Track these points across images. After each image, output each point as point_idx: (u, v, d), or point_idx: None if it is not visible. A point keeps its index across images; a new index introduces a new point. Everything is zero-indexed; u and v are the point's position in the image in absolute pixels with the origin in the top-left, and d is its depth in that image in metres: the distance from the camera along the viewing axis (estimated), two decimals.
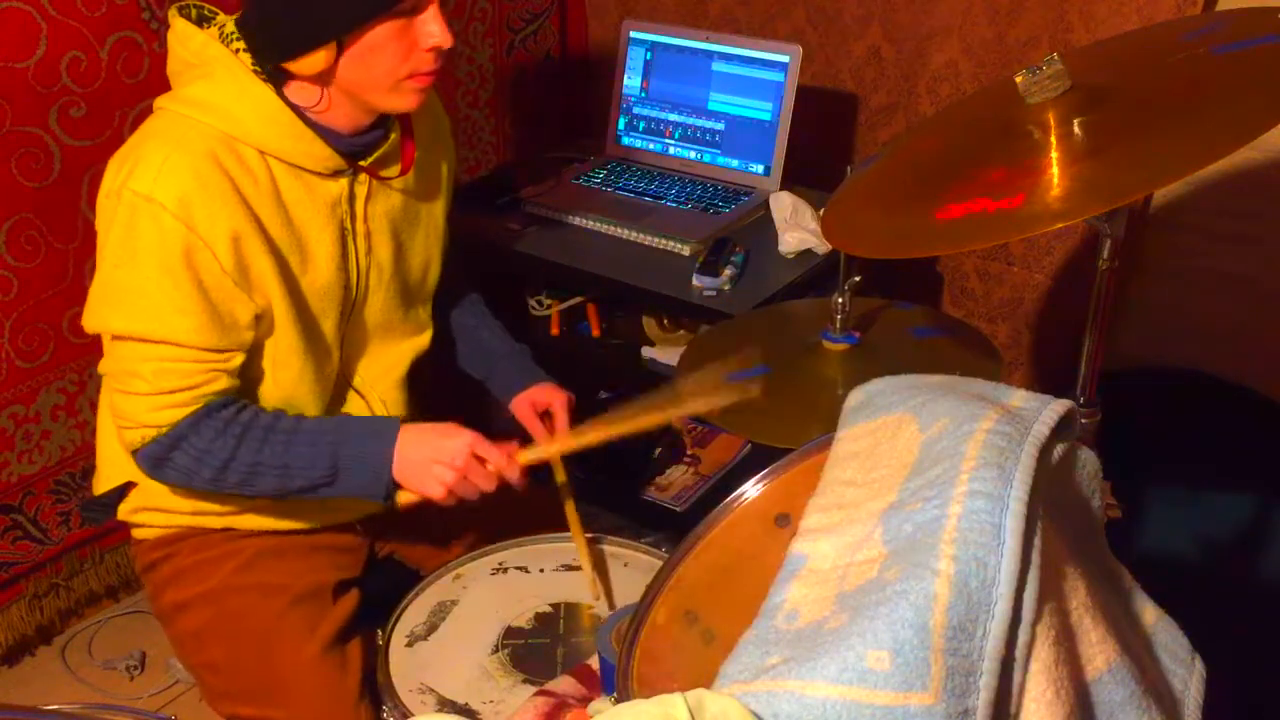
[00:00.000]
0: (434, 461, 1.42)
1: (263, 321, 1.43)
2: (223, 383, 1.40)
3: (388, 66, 1.36)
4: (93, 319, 1.40)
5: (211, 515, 1.54)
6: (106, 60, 1.95)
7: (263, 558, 1.55)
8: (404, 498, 1.46)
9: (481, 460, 1.43)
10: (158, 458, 1.40)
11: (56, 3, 1.86)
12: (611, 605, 1.49)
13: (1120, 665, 0.91)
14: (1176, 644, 1.01)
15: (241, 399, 1.43)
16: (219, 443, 1.39)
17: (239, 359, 1.41)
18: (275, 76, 1.38)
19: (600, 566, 1.56)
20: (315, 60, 1.34)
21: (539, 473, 1.65)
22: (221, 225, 1.35)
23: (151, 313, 1.35)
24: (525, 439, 1.59)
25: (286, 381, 1.48)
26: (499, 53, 2.65)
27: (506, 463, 1.45)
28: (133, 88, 1.99)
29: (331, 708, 1.47)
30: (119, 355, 1.39)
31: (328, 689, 1.48)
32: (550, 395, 1.64)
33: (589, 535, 1.58)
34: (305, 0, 1.32)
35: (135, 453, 1.41)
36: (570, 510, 1.58)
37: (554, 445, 1.54)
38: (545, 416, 1.63)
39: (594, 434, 1.48)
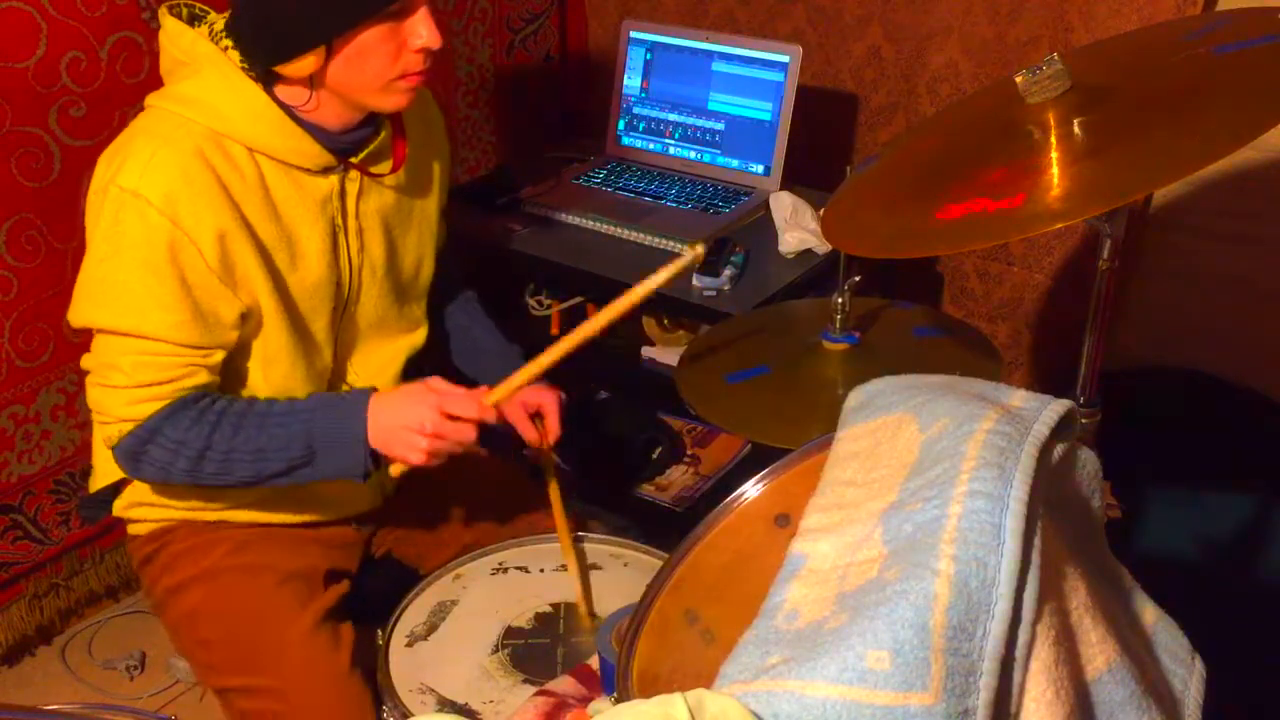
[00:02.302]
0: (406, 429, 1.41)
1: (250, 319, 1.43)
2: (202, 378, 1.40)
3: (377, 68, 1.36)
4: (77, 313, 1.40)
5: (206, 510, 1.55)
6: (106, 60, 1.95)
7: (256, 542, 1.56)
8: (396, 469, 1.46)
9: (455, 416, 1.42)
10: (134, 452, 1.40)
11: (56, 3, 1.86)
12: (592, 608, 1.49)
13: (1120, 665, 0.91)
14: (1176, 644, 1.01)
15: (219, 392, 1.43)
16: (193, 432, 1.38)
17: (220, 355, 1.41)
18: (265, 76, 1.38)
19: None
20: (304, 64, 1.34)
21: (534, 474, 1.65)
22: (207, 222, 1.35)
23: (133, 308, 1.35)
24: (517, 439, 1.59)
25: (278, 378, 1.48)
26: (499, 53, 2.65)
27: (479, 410, 1.43)
28: (133, 88, 1.99)
29: (324, 679, 1.46)
30: (100, 349, 1.40)
31: (320, 660, 1.47)
32: (540, 395, 1.63)
33: (578, 535, 1.59)
34: (293, 5, 1.32)
35: (113, 448, 1.41)
36: (559, 516, 1.57)
37: (519, 377, 1.48)
38: (536, 417, 1.63)
39: (556, 352, 1.45)
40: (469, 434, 1.43)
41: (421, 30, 1.35)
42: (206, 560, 1.54)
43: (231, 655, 1.52)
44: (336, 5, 1.31)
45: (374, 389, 1.47)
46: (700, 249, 1.44)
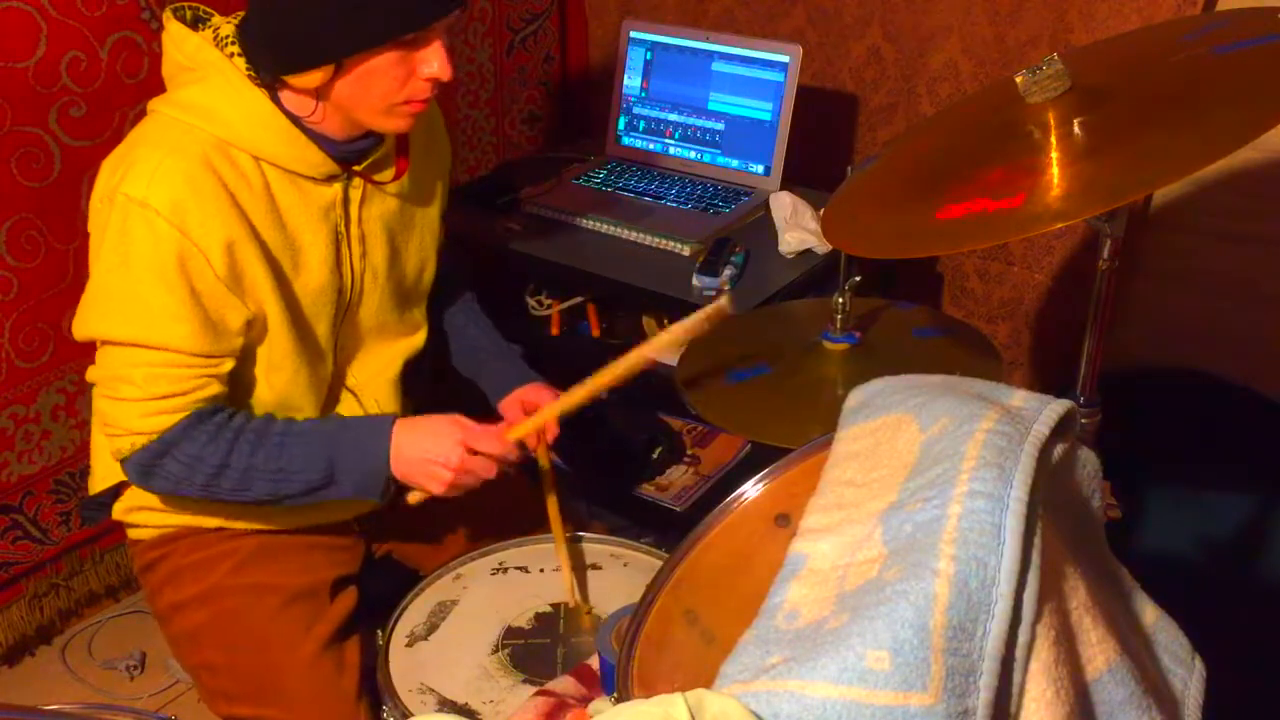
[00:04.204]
0: (429, 462, 1.43)
1: (255, 326, 1.43)
2: (214, 388, 1.40)
3: (383, 91, 1.36)
4: (84, 326, 1.39)
5: (207, 515, 1.54)
6: (106, 60, 1.95)
7: (259, 557, 1.55)
8: (414, 496, 1.48)
9: (478, 452, 1.44)
10: (147, 465, 1.40)
11: (56, 3, 1.86)
12: (588, 607, 1.49)
13: (1120, 665, 0.91)
14: (1176, 644, 1.01)
15: (232, 404, 1.43)
16: (211, 448, 1.38)
17: (230, 364, 1.41)
18: (270, 83, 1.38)
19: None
20: (311, 77, 1.34)
21: (529, 471, 1.65)
22: (215, 231, 1.34)
23: (145, 319, 1.34)
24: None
25: (280, 384, 1.48)
26: (499, 53, 2.65)
27: (500, 446, 1.46)
28: (133, 88, 1.99)
29: (329, 707, 1.47)
30: (109, 361, 1.39)
31: (325, 688, 1.48)
32: (539, 395, 1.63)
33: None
34: (310, 20, 1.31)
35: (124, 461, 1.41)
36: (552, 508, 1.57)
37: (540, 415, 1.53)
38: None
39: (578, 395, 1.49)
40: (490, 470, 1.45)
41: (433, 61, 1.36)
42: (211, 577, 1.54)
43: (235, 682, 1.52)
44: (352, 28, 1.31)
45: (397, 415, 1.48)
46: (725, 302, 1.47)
